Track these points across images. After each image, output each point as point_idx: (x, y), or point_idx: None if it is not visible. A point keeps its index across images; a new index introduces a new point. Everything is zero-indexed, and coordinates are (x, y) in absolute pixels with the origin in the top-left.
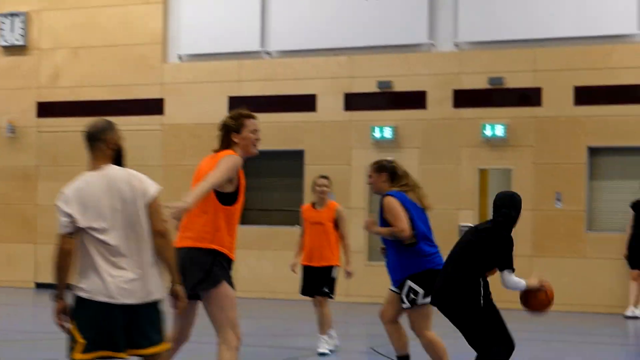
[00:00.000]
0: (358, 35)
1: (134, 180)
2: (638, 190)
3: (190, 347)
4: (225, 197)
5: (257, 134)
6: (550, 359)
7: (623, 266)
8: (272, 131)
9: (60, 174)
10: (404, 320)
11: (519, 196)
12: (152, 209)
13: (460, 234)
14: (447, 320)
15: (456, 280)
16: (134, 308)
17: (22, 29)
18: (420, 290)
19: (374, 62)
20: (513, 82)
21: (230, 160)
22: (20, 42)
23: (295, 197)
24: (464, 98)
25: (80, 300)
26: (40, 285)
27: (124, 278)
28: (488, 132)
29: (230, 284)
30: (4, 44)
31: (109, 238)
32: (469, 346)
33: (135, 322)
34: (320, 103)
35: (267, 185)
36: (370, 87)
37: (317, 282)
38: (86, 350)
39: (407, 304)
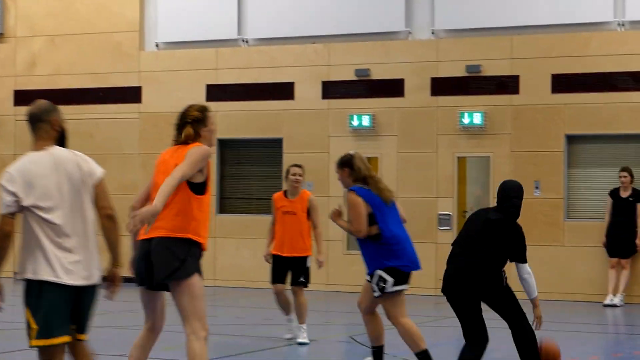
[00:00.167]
0: (335, 23)
1: (80, 161)
2: (616, 178)
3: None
4: (196, 187)
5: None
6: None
7: (602, 254)
8: (250, 119)
9: None
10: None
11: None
12: (99, 190)
13: (439, 222)
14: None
15: (479, 269)
16: (78, 290)
17: None
18: (390, 279)
19: (351, 50)
20: (490, 70)
21: (200, 151)
22: None
23: (273, 186)
24: (442, 86)
25: (28, 283)
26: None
27: (68, 259)
28: (466, 120)
29: (200, 274)
30: None
31: (55, 217)
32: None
33: (79, 306)
34: (298, 91)
35: (246, 174)
36: (348, 75)
37: (293, 273)
38: (40, 335)
39: (377, 292)
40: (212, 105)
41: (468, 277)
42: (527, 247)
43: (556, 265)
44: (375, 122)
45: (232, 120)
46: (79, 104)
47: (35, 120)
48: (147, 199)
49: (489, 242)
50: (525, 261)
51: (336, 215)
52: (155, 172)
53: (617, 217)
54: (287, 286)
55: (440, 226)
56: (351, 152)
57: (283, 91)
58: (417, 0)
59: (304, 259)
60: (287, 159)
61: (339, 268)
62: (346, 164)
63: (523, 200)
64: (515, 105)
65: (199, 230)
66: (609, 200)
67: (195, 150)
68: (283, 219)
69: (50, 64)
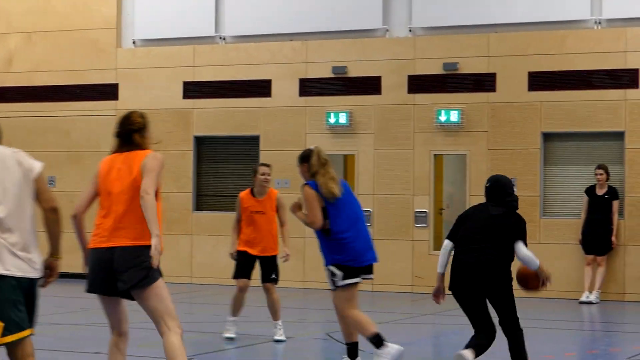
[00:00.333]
0: (313, 21)
1: (20, 157)
2: (592, 175)
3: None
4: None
5: None
6: (505, 344)
7: (577, 251)
8: (227, 117)
9: None
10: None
11: None
12: (40, 184)
13: (416, 220)
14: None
15: (491, 264)
16: (24, 285)
17: None
18: (339, 273)
19: (328, 48)
20: (467, 67)
21: (159, 160)
22: None
23: (250, 183)
24: (419, 83)
25: None
26: None
27: (13, 253)
28: (442, 117)
29: (162, 275)
30: None
31: None
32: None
33: (25, 300)
34: (275, 88)
35: (222, 171)
36: (325, 73)
37: (264, 270)
38: (6, 332)
39: (332, 286)
40: (189, 103)
41: (480, 273)
42: None
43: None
44: (352, 119)
45: (209, 117)
46: (55, 101)
47: None
48: (88, 207)
49: (497, 237)
50: (526, 243)
51: (296, 207)
52: (105, 179)
53: (593, 215)
54: (250, 283)
55: (417, 224)
56: (312, 147)
57: (260, 88)
58: None
59: (274, 257)
60: (264, 157)
61: (315, 265)
62: (305, 159)
63: None
64: (492, 103)
65: None
66: (585, 198)
67: (154, 160)
68: (252, 219)
69: (27, 60)
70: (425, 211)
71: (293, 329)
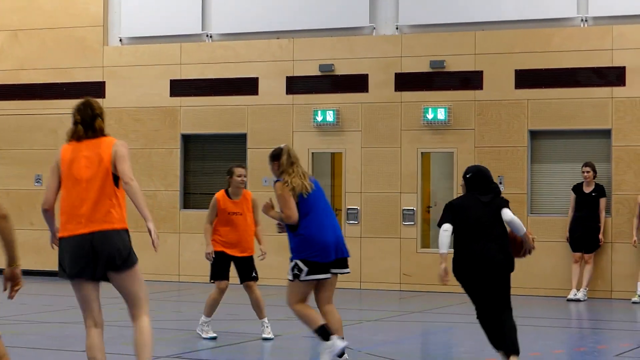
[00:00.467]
0: (300, 18)
1: None
2: (579, 173)
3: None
4: (115, 180)
5: None
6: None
7: (565, 249)
8: (214, 114)
9: (2, 157)
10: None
11: None
12: None
13: (403, 218)
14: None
15: (499, 249)
16: None
17: None
18: (305, 268)
19: (315, 45)
20: (454, 65)
21: (126, 146)
22: None
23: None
24: (406, 81)
25: None
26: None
27: None
28: (430, 115)
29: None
30: None
31: None
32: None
33: None
34: (262, 86)
35: (210, 169)
36: (312, 70)
37: (244, 270)
38: None
39: (290, 277)
40: (176, 101)
41: (502, 260)
42: None
43: (519, 260)
44: (340, 117)
45: (196, 115)
46: (42, 99)
47: None
48: (56, 197)
49: (496, 223)
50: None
51: (268, 207)
52: (70, 167)
53: (581, 212)
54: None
55: (404, 221)
56: (282, 145)
57: (247, 86)
58: None
59: (252, 256)
60: (251, 155)
61: None
62: (276, 157)
63: None
64: (479, 100)
65: (126, 220)
66: (572, 196)
67: (124, 147)
68: (230, 220)
69: (13, 58)
70: (412, 209)
71: (280, 327)
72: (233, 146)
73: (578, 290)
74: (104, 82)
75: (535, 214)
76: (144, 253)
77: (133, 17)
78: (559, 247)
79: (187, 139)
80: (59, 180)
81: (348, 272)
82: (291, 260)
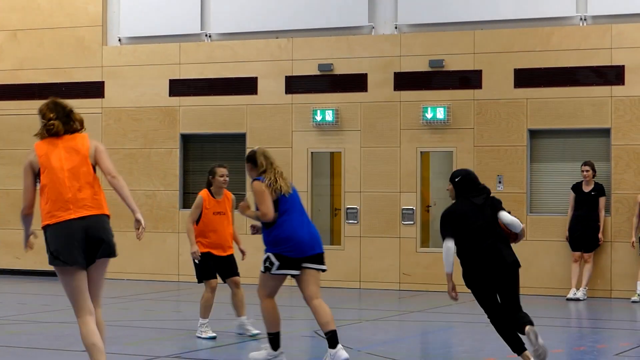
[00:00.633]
0: (298, 18)
1: None
2: (579, 172)
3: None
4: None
5: None
6: (493, 340)
7: (564, 248)
8: (213, 114)
9: (2, 157)
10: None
11: None
12: None
13: (403, 217)
14: None
15: (509, 245)
16: None
17: None
18: (276, 262)
19: (314, 45)
20: (453, 64)
21: (100, 143)
22: None
23: (237, 181)
24: (405, 80)
25: None
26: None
27: None
28: (429, 114)
29: None
30: None
31: None
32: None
33: None
34: (261, 86)
35: (209, 169)
36: (311, 70)
37: (228, 268)
38: None
39: (262, 269)
40: (175, 100)
41: (513, 261)
42: None
43: (519, 259)
44: (339, 116)
45: (195, 115)
46: (41, 98)
47: None
48: (34, 200)
49: (495, 223)
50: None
51: (244, 207)
52: (49, 160)
53: (580, 212)
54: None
55: (404, 221)
56: (255, 148)
57: (246, 86)
58: None
59: (233, 255)
60: None
61: None
62: (249, 159)
63: None
64: (478, 99)
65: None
66: (571, 195)
67: (101, 145)
68: (214, 219)
69: (12, 58)
70: (412, 208)
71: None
72: (232, 146)
73: (577, 289)
74: (103, 82)
75: (534, 213)
76: (144, 252)
77: (132, 17)
78: (558, 246)
79: (186, 139)
80: (35, 182)
81: (324, 270)
82: (265, 252)
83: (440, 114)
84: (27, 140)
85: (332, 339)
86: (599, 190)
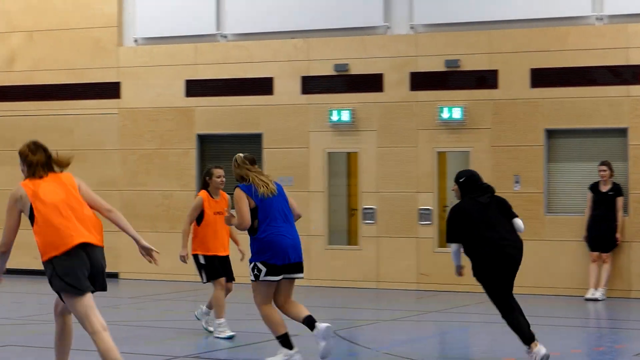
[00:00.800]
0: (314, 18)
1: None
2: (596, 172)
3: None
4: None
5: None
6: (509, 341)
7: (582, 248)
8: (229, 115)
9: (17, 158)
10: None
11: None
12: None
13: (420, 217)
14: None
15: (519, 242)
16: None
17: None
18: (263, 269)
19: (330, 45)
20: (469, 64)
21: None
22: None
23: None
24: (421, 81)
25: None
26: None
27: None
28: (445, 114)
29: None
30: None
31: None
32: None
33: None
34: (277, 86)
35: (225, 169)
36: (327, 70)
37: (227, 269)
38: None
39: (252, 278)
40: (192, 101)
41: (519, 254)
42: None
43: (537, 260)
44: (355, 117)
45: (211, 115)
46: (57, 99)
47: None
48: (14, 239)
49: (503, 219)
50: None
51: (230, 219)
52: (37, 197)
53: (598, 211)
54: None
55: (421, 221)
56: (236, 155)
57: (262, 86)
58: None
59: (229, 256)
60: (267, 155)
61: (321, 263)
62: (234, 162)
63: (501, 194)
64: (495, 99)
65: None
66: (589, 195)
67: (83, 182)
68: (214, 220)
69: (28, 59)
70: (429, 208)
71: (299, 326)
72: (248, 146)
73: (596, 289)
74: (119, 83)
75: (552, 213)
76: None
77: (148, 17)
78: (576, 246)
79: (202, 140)
80: (19, 219)
81: (301, 277)
82: (250, 262)
83: (457, 113)
84: (44, 141)
85: (310, 320)
86: (617, 190)
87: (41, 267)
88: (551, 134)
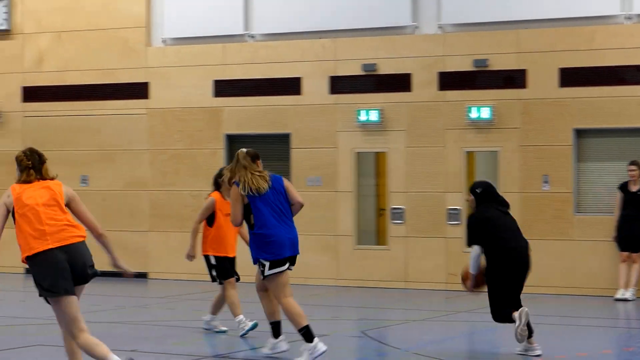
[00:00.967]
0: (342, 18)
1: None
2: (625, 171)
3: None
4: None
5: None
6: (539, 341)
7: (612, 248)
8: (257, 114)
9: (50, 158)
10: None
11: None
12: None
13: (448, 217)
14: None
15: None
16: None
17: (6, 13)
18: (267, 263)
19: (358, 45)
20: (497, 64)
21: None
22: (4, 27)
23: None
24: (449, 80)
25: None
26: (30, 271)
27: None
28: (474, 114)
29: None
30: None
31: None
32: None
33: None
34: (305, 86)
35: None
36: (355, 70)
37: (233, 269)
38: None
39: (262, 275)
40: (220, 101)
41: (527, 261)
42: (536, 241)
43: (566, 260)
44: (383, 116)
45: (240, 115)
46: (86, 100)
47: None
48: None
49: (518, 228)
50: None
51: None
52: (21, 200)
53: (627, 211)
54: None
55: (450, 221)
56: (238, 151)
57: (290, 86)
58: None
59: (235, 257)
60: (295, 154)
61: (349, 263)
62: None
63: (530, 194)
64: (523, 99)
65: None
66: (618, 194)
67: (74, 192)
68: (225, 221)
69: (57, 60)
70: (458, 208)
71: (327, 326)
72: (277, 146)
73: (626, 289)
74: (147, 83)
75: (581, 213)
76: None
77: (176, 18)
78: (605, 246)
79: (231, 139)
80: (5, 221)
81: (290, 269)
82: (253, 258)
83: (485, 113)
84: (74, 141)
85: (308, 334)
86: None
87: None
88: (580, 133)
